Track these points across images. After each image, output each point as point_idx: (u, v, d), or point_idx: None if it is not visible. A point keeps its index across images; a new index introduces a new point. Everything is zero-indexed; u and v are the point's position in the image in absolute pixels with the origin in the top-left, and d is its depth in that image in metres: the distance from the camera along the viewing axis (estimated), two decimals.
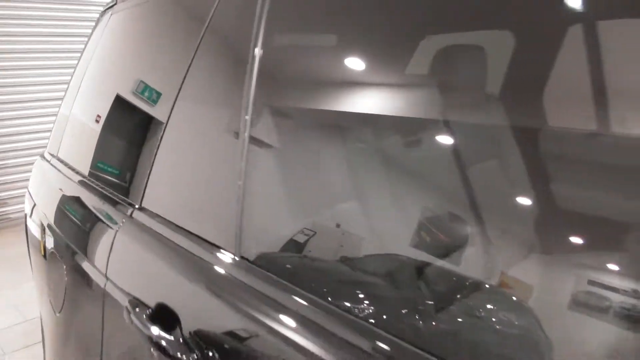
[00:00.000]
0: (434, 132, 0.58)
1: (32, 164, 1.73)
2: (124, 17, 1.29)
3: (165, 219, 0.92)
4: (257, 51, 0.79)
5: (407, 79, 0.62)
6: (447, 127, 0.57)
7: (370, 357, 0.55)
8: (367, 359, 0.55)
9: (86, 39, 1.55)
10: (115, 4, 1.36)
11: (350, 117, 0.67)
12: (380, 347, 0.55)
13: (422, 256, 0.57)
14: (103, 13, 1.45)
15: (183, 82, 0.94)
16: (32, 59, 4.12)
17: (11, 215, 4.35)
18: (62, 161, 1.45)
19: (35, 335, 2.56)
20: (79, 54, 1.58)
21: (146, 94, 1.08)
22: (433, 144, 0.59)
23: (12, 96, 4.10)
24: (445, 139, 0.58)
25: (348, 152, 0.67)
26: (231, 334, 0.72)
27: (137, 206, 1.00)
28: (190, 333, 0.77)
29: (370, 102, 0.65)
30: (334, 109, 0.69)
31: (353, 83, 0.67)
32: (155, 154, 0.98)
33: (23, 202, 1.93)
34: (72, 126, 1.48)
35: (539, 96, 0.50)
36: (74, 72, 1.57)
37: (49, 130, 1.73)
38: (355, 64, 0.69)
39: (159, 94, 1.04)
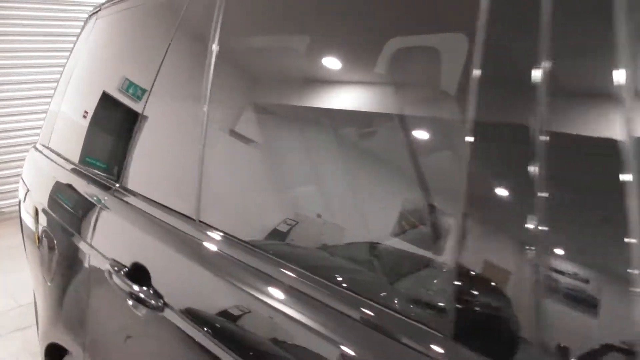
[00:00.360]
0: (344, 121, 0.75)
1: (24, 159, 1.88)
2: (108, 22, 1.46)
3: (139, 194, 1.09)
4: (213, 52, 0.96)
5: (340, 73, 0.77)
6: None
7: (308, 299, 0.70)
8: (307, 301, 0.70)
9: (74, 38, 1.72)
10: (100, 10, 1.52)
11: (285, 108, 0.84)
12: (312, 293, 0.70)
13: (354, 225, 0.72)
14: (89, 18, 1.61)
15: (155, 79, 1.11)
16: (23, 57, 4.26)
17: (5, 210, 4.49)
18: (53, 150, 1.61)
19: (27, 319, 2.72)
20: (67, 53, 1.74)
21: (126, 90, 1.25)
22: (351, 131, 0.75)
23: (4, 94, 4.23)
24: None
25: (279, 137, 0.84)
26: (191, 281, 0.89)
27: (117, 185, 1.17)
28: (158, 284, 0.94)
29: (301, 95, 0.82)
30: (276, 101, 0.86)
31: (293, 77, 0.84)
32: (132, 142, 1.15)
33: (16, 197, 2.09)
34: (61, 120, 1.64)
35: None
36: (62, 71, 1.73)
37: (40, 127, 1.89)
38: (294, 61, 0.86)
39: (135, 90, 1.21)
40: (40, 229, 1.48)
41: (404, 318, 0.59)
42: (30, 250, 1.61)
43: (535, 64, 0.51)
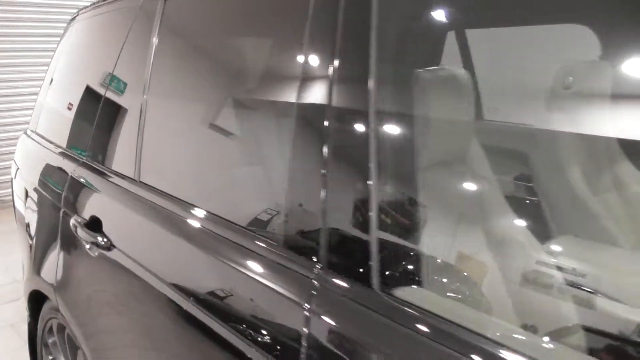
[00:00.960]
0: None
1: None
2: (81, 26, 1.74)
3: (99, 162, 1.37)
4: (152, 47, 1.23)
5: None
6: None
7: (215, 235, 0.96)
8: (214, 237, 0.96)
9: (58, 38, 2.00)
10: (77, 15, 1.80)
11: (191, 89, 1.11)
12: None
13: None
14: (69, 24, 1.89)
15: (113, 71, 1.39)
16: (19, 57, 4.56)
17: (4, 198, 4.78)
18: (39, 135, 1.89)
19: (21, 292, 3.01)
20: (52, 52, 2.02)
21: (103, 82, 1.53)
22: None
23: (3, 90, 4.53)
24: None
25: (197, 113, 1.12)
26: (132, 227, 1.16)
27: (83, 159, 1.45)
28: (108, 231, 1.21)
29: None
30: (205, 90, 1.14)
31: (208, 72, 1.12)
32: (96, 123, 1.43)
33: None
34: (47, 111, 1.92)
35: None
36: (47, 70, 2.01)
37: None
38: (203, 61, 1.13)
39: (102, 81, 1.49)
40: (27, 200, 1.77)
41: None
42: (19, 217, 1.90)
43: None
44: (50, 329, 1.66)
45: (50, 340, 1.69)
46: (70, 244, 1.40)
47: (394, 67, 0.74)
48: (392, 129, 0.72)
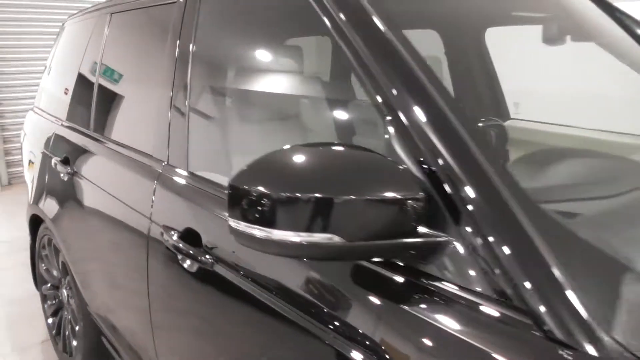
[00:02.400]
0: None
1: None
2: (72, 27, 2.39)
3: (74, 124, 2.01)
4: (105, 41, 1.87)
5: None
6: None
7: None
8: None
9: (60, 23, 2.66)
10: (68, 18, 2.46)
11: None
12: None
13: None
14: (63, 25, 2.54)
15: (100, 62, 2.03)
16: (34, 52, 5.28)
17: (22, 175, 5.53)
18: (42, 110, 2.55)
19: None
20: (54, 36, 2.68)
21: (94, 71, 2.17)
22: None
23: (18, 81, 5.26)
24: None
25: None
26: (89, 161, 1.80)
27: (89, 129, 2.10)
28: (75, 165, 1.86)
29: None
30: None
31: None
32: (72, 99, 2.07)
33: None
34: (46, 92, 2.57)
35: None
36: (47, 64, 2.67)
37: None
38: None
39: (93, 69, 2.12)
40: (30, 154, 2.44)
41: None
42: (26, 160, 2.57)
43: None
44: (43, 244, 2.33)
45: (44, 253, 2.36)
46: (53, 177, 2.05)
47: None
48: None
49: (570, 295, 0.62)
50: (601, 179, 0.96)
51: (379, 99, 0.83)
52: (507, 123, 2.17)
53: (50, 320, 2.39)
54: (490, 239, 0.68)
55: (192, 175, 1.24)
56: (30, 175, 2.42)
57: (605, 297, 0.64)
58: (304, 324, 0.86)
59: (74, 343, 2.14)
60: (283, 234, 0.71)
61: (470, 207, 0.70)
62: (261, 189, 0.71)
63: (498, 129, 1.49)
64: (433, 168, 0.74)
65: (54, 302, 2.35)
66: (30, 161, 2.44)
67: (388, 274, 0.78)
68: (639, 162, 1.07)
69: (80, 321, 2.02)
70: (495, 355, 0.62)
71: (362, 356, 0.75)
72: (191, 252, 1.12)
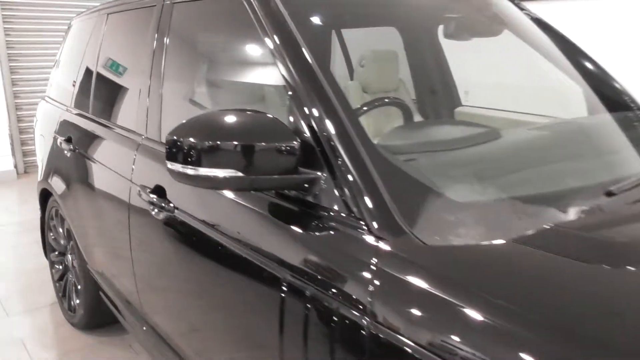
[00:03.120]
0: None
1: None
2: (78, 25, 2.73)
3: (78, 109, 2.35)
4: (101, 43, 2.19)
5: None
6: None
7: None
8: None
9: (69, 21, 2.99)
10: (75, 17, 2.79)
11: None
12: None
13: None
14: (70, 23, 2.88)
15: (98, 58, 2.36)
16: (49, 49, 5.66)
17: (37, 163, 5.92)
18: (52, 99, 2.89)
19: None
20: (63, 32, 3.02)
21: (99, 72, 2.50)
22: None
23: (33, 76, 5.64)
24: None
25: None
26: (86, 136, 2.13)
27: (89, 113, 2.43)
28: (75, 141, 2.19)
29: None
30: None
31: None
32: (93, 91, 2.40)
33: None
34: (57, 86, 2.91)
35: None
36: (56, 60, 3.01)
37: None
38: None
39: (93, 63, 2.46)
40: (40, 136, 2.78)
41: None
42: (37, 143, 2.91)
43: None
44: (51, 216, 2.67)
45: (52, 224, 2.70)
46: (59, 155, 2.39)
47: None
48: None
49: (391, 208, 0.92)
50: (443, 140, 1.27)
51: (284, 83, 1.13)
52: (458, 109, 2.46)
53: (57, 285, 2.74)
54: (347, 176, 0.98)
55: (162, 144, 1.55)
56: (40, 156, 2.77)
57: (412, 210, 0.94)
58: (235, 248, 1.17)
59: (77, 301, 2.48)
60: (206, 171, 1.02)
61: (333, 154, 1.00)
62: (191, 139, 1.02)
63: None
64: (312, 127, 1.05)
65: (60, 267, 2.69)
66: (40, 143, 2.79)
67: (285, 203, 1.09)
68: (489, 129, 1.37)
69: (81, 279, 2.36)
70: (341, 244, 0.93)
71: (272, 265, 1.07)
72: (158, 202, 1.44)
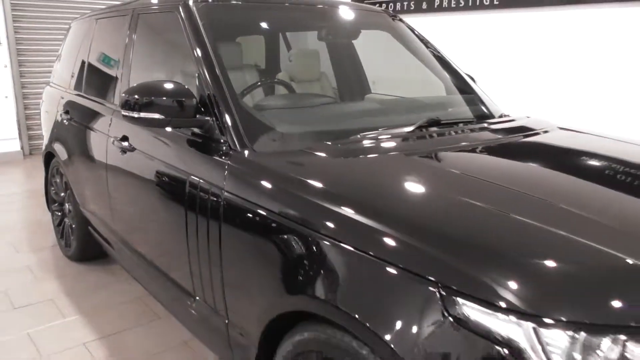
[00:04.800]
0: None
1: None
2: (75, 27, 3.49)
3: (76, 91, 3.11)
4: (91, 47, 2.96)
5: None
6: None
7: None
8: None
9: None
10: (74, 20, 3.55)
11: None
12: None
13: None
14: (69, 25, 3.64)
15: (89, 49, 3.13)
16: (53, 43, 6.43)
17: (40, 146, 6.68)
18: (55, 84, 3.65)
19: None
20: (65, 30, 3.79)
21: (89, 62, 3.26)
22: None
23: (44, 67, 6.41)
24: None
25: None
26: (78, 106, 2.90)
27: (82, 92, 3.20)
28: (71, 113, 2.95)
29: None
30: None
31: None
32: (85, 77, 3.16)
33: None
34: (59, 74, 3.68)
35: None
36: (59, 53, 3.77)
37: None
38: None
39: (85, 56, 3.22)
40: (44, 114, 3.55)
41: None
42: (43, 118, 3.67)
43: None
44: (53, 174, 3.43)
45: (53, 180, 3.47)
46: (60, 125, 3.16)
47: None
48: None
49: (242, 135, 1.68)
50: (287, 102, 2.06)
51: (195, 67, 1.90)
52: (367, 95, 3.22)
53: (57, 229, 3.50)
54: (222, 119, 1.73)
55: None
56: (45, 128, 3.54)
57: (254, 134, 1.70)
58: (167, 167, 1.94)
59: (72, 238, 3.24)
60: (144, 115, 1.77)
61: (217, 107, 1.76)
62: (135, 96, 1.77)
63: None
64: (207, 92, 1.81)
65: (59, 214, 3.46)
66: (45, 118, 3.56)
67: (197, 140, 1.85)
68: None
69: (75, 219, 3.12)
70: (217, 155, 1.70)
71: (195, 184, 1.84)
72: (124, 146, 2.21)
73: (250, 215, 1.51)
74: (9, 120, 6.22)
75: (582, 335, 0.94)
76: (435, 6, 5.17)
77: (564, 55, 4.38)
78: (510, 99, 4.58)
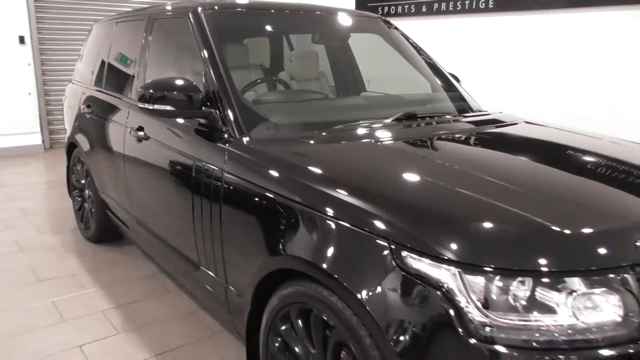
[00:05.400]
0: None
1: None
2: (96, 29, 3.81)
3: (97, 87, 3.43)
4: (110, 48, 3.27)
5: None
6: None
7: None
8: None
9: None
10: (95, 23, 3.87)
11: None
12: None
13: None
14: (91, 27, 3.96)
15: (109, 49, 3.44)
16: (76, 45, 6.79)
17: (61, 140, 7.05)
18: (77, 81, 3.97)
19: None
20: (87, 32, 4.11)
21: (109, 62, 3.58)
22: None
23: (69, 67, 6.78)
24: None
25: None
26: (98, 101, 3.21)
27: (102, 88, 3.51)
28: (92, 106, 3.27)
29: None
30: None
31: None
32: (105, 74, 3.48)
33: None
34: (81, 72, 4.00)
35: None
36: (81, 53, 4.10)
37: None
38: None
39: (105, 56, 3.54)
40: (67, 108, 3.87)
41: None
42: (65, 113, 4.00)
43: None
44: (74, 162, 3.76)
45: (75, 168, 3.79)
46: (82, 118, 3.47)
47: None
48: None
49: (241, 124, 1.97)
50: (283, 97, 2.35)
51: (203, 66, 2.18)
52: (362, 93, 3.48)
53: (77, 213, 3.83)
54: (224, 112, 2.02)
55: None
56: (67, 121, 3.86)
57: (251, 124, 1.98)
58: (177, 152, 2.23)
59: (91, 221, 3.56)
60: (157, 107, 2.07)
61: (220, 101, 2.05)
62: (150, 90, 2.07)
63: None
64: (212, 88, 2.09)
65: (79, 199, 3.78)
66: (68, 112, 3.88)
67: (203, 128, 2.14)
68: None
69: (94, 203, 3.44)
70: (219, 142, 1.99)
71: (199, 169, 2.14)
72: (140, 135, 2.51)
73: (247, 192, 1.80)
74: (32, 116, 6.58)
75: (497, 278, 1.21)
76: (434, 9, 5.42)
77: (551, 56, 4.61)
78: (502, 97, 4.82)
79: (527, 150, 1.97)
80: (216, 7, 2.42)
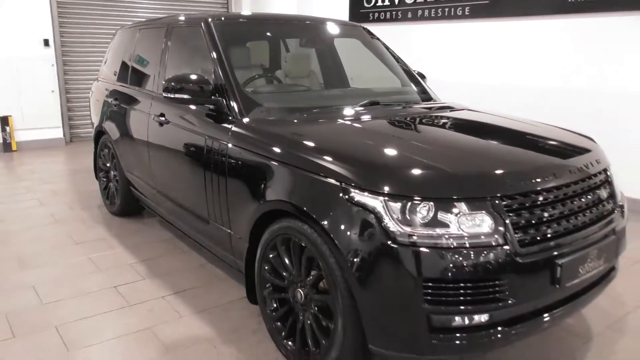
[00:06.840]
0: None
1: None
2: (121, 34, 4.44)
3: (120, 83, 4.07)
4: (135, 50, 3.91)
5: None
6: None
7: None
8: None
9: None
10: (119, 29, 4.50)
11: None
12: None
13: None
14: (115, 32, 4.59)
15: (132, 56, 4.08)
16: (101, 46, 7.45)
17: (81, 135, 7.71)
18: (102, 79, 4.61)
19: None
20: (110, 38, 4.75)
21: (133, 61, 4.22)
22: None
23: (92, 68, 7.45)
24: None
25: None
26: (123, 95, 3.85)
27: (127, 84, 4.15)
28: (119, 99, 3.91)
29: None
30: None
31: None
32: (130, 73, 4.12)
33: (88, 126, 5.21)
34: (105, 72, 4.64)
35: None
36: (106, 53, 4.73)
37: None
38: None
39: (129, 58, 4.18)
40: (94, 102, 4.52)
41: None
42: (92, 106, 4.65)
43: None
44: (102, 148, 4.40)
45: (102, 153, 4.43)
46: (109, 109, 4.11)
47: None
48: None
49: (242, 109, 2.60)
50: (278, 88, 2.99)
51: (212, 65, 2.82)
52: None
53: (103, 192, 4.47)
54: (229, 101, 2.65)
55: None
56: (94, 112, 4.51)
57: (249, 108, 2.61)
58: (191, 131, 2.86)
59: (116, 198, 4.20)
60: (178, 95, 2.70)
61: (225, 91, 2.68)
62: (172, 83, 2.70)
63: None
64: (219, 81, 2.72)
65: (105, 180, 4.42)
66: (95, 106, 4.53)
67: (212, 113, 2.76)
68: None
69: (120, 181, 4.07)
70: (225, 124, 2.62)
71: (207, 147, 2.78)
72: (162, 120, 3.14)
73: (245, 158, 2.42)
74: (55, 112, 7.24)
75: (409, 204, 1.82)
76: (418, 16, 6.05)
77: (511, 57, 5.23)
78: (470, 90, 5.41)
79: (458, 126, 2.59)
80: (223, 18, 3.06)
